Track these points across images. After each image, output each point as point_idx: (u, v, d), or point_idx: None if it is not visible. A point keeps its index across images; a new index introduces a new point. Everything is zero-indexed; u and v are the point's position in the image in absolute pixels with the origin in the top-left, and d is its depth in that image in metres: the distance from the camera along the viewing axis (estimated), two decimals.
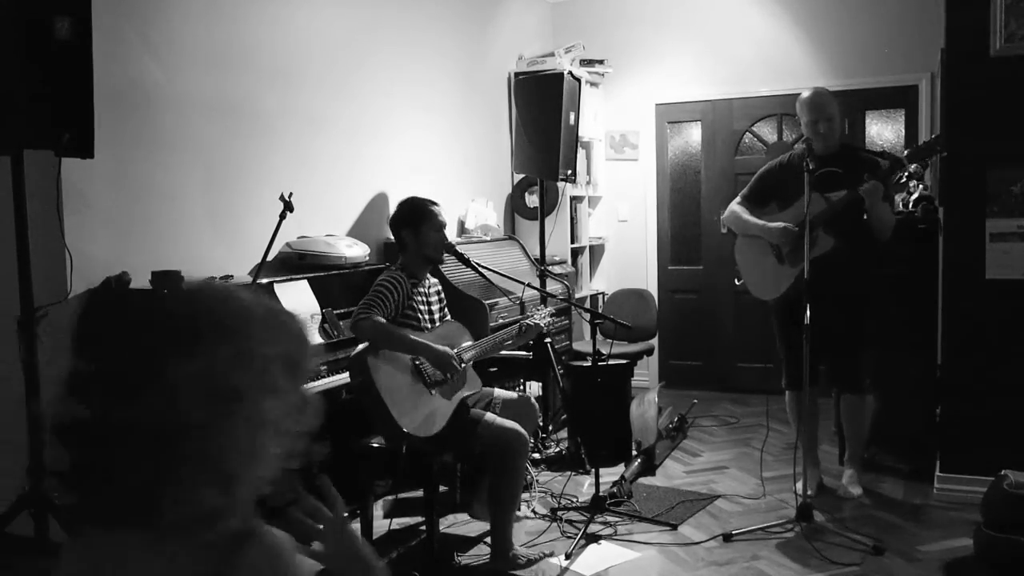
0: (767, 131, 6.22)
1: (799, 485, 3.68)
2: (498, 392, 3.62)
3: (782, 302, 3.88)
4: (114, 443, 0.96)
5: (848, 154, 3.90)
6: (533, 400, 3.66)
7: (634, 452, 4.54)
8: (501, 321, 4.35)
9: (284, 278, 3.65)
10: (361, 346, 3.19)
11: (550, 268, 5.12)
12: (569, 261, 5.94)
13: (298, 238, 3.92)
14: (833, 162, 3.79)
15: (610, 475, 4.18)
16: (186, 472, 0.97)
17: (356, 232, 4.49)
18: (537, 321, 3.60)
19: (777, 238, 3.84)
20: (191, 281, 1.14)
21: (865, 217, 3.70)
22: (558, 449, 4.70)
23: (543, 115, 5.02)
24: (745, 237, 4.04)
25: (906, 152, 3.71)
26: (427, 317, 3.43)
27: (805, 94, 3.91)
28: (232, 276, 3.50)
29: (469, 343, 3.46)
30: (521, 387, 4.86)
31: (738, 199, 4.10)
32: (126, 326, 1.02)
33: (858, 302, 3.88)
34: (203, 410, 0.97)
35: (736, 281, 4.10)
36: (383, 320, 3.16)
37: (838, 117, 3.89)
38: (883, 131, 5.93)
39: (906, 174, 3.81)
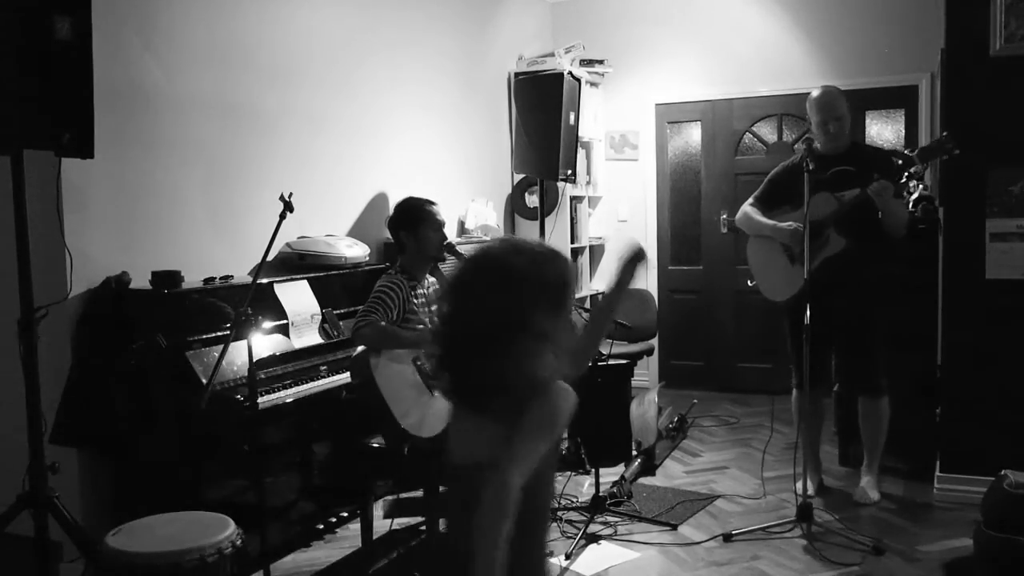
0: (767, 131, 6.22)
1: (799, 485, 3.68)
2: None
3: (794, 302, 3.86)
4: (480, 351, 1.53)
5: (858, 153, 3.89)
6: None
7: (634, 452, 4.54)
8: None
9: (284, 278, 3.65)
10: (362, 346, 3.19)
11: None
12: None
13: (298, 238, 3.92)
14: (843, 161, 3.78)
15: (610, 475, 4.18)
16: (511, 363, 1.53)
17: (356, 232, 4.49)
18: None
19: (788, 238, 3.83)
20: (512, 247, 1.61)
21: (880, 215, 3.69)
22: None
23: (543, 115, 5.02)
24: (757, 238, 4.04)
25: (915, 151, 3.69)
26: (427, 319, 3.42)
27: (815, 93, 3.89)
28: (232, 276, 3.50)
29: None
30: None
31: (750, 200, 4.10)
32: (486, 282, 1.56)
33: (871, 302, 3.86)
34: (518, 327, 1.52)
35: (749, 282, 4.09)
36: (383, 323, 3.16)
37: (848, 116, 3.87)
38: (883, 131, 5.93)
39: (906, 174, 3.81)
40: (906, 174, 3.70)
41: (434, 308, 1.60)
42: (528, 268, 1.55)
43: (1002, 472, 3.18)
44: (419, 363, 3.27)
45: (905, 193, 4.47)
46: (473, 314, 1.55)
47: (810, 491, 3.73)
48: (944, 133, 3.58)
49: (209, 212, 3.74)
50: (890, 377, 3.98)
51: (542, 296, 1.55)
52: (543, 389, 1.53)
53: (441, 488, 1.70)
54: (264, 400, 3.14)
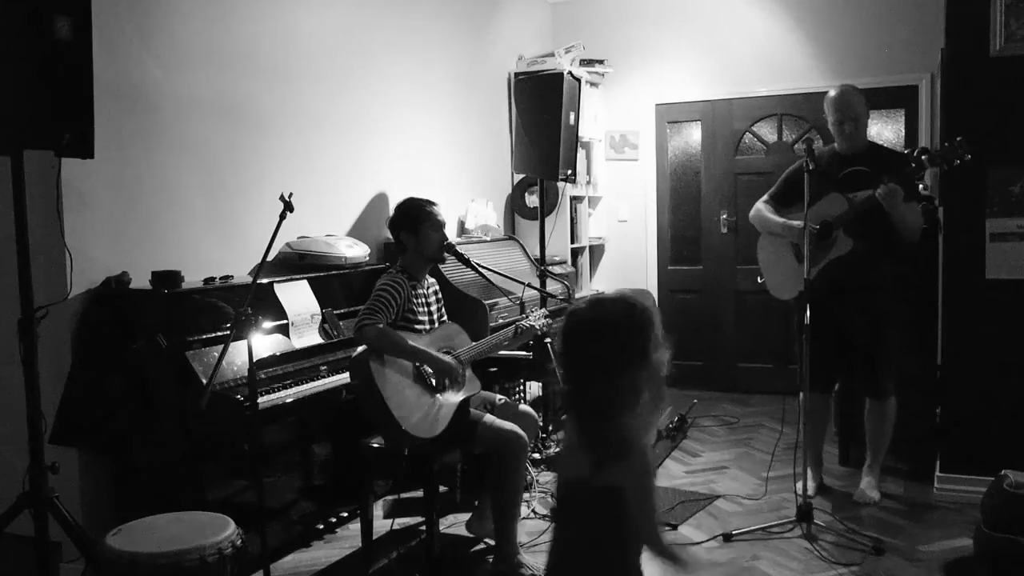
0: (767, 131, 6.22)
1: (799, 485, 3.67)
2: (499, 398, 3.62)
3: (802, 302, 3.85)
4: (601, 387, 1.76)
5: (875, 154, 3.87)
6: (533, 413, 3.64)
7: None
8: (501, 321, 4.35)
9: (284, 278, 3.65)
10: (362, 347, 3.19)
11: (550, 268, 5.12)
12: (569, 261, 5.94)
13: (298, 238, 3.92)
14: (860, 162, 3.77)
15: None
16: (622, 398, 1.75)
17: (356, 232, 4.49)
18: (533, 323, 3.60)
19: (796, 237, 3.82)
20: (620, 298, 1.82)
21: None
22: (558, 449, 4.70)
23: (543, 115, 5.02)
24: (768, 236, 4.04)
25: (927, 155, 3.66)
26: (426, 319, 3.43)
27: (832, 92, 3.87)
28: (232, 276, 3.50)
29: (467, 345, 3.46)
30: (521, 387, 4.86)
31: (764, 197, 4.10)
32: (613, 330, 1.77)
33: (878, 304, 3.84)
34: (636, 367, 1.74)
35: (758, 279, 4.09)
36: (387, 327, 3.16)
37: (865, 116, 3.85)
38: (883, 131, 5.93)
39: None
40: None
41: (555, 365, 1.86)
42: (640, 325, 1.77)
43: (1002, 472, 3.19)
44: (419, 364, 3.27)
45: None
46: (603, 378, 1.76)
47: (810, 491, 3.73)
48: (959, 138, 3.54)
49: (209, 212, 3.74)
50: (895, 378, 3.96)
51: (648, 352, 1.76)
52: (638, 438, 1.79)
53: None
54: (264, 400, 3.14)
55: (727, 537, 3.55)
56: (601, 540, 1.81)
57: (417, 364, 3.26)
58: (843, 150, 3.85)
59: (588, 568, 1.83)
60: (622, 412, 1.77)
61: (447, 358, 3.25)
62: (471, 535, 3.65)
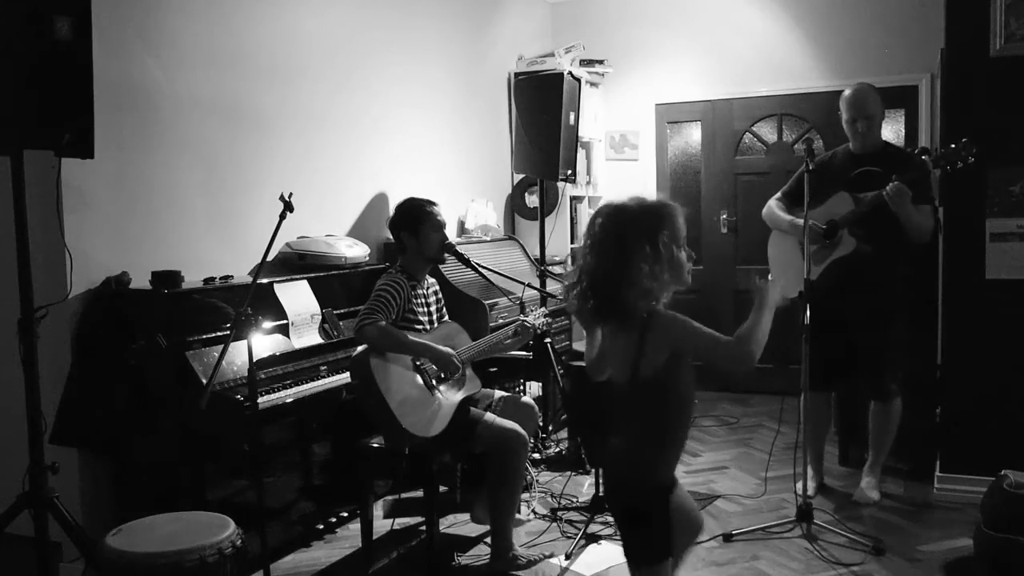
0: (767, 131, 6.22)
1: (799, 485, 3.67)
2: (499, 394, 3.62)
3: (803, 302, 3.83)
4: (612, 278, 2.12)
5: (888, 154, 3.85)
6: (533, 404, 3.65)
7: None
8: (501, 321, 4.35)
9: (284, 278, 3.65)
10: (362, 346, 3.19)
11: (550, 268, 5.12)
12: (569, 261, 5.94)
13: (298, 238, 3.92)
14: (873, 162, 3.76)
15: None
16: (638, 286, 2.12)
17: (356, 232, 4.49)
18: (533, 322, 3.60)
19: (801, 235, 3.82)
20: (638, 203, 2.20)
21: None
22: (558, 449, 4.70)
23: (543, 115, 5.02)
24: (777, 234, 4.05)
25: (931, 156, 3.66)
26: (426, 319, 3.43)
27: (847, 91, 3.86)
28: (232, 276, 3.50)
29: (467, 344, 3.46)
30: (521, 387, 4.86)
31: (777, 195, 4.10)
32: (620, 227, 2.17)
33: (880, 306, 3.82)
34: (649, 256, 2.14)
35: (768, 277, 4.09)
36: (387, 325, 3.17)
37: (880, 116, 3.85)
38: (883, 131, 5.90)
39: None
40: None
41: (579, 250, 2.17)
42: (657, 214, 2.19)
43: (1002, 472, 3.19)
44: (419, 363, 3.27)
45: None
46: (616, 251, 2.11)
47: (810, 491, 3.73)
48: (964, 140, 3.53)
49: (209, 212, 3.74)
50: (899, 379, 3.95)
51: (666, 236, 2.19)
52: (656, 306, 2.18)
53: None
54: (264, 400, 3.14)
55: (727, 537, 3.55)
56: (646, 435, 2.14)
57: (418, 362, 3.26)
58: (856, 149, 3.85)
59: (635, 467, 2.15)
60: (630, 290, 2.08)
61: (445, 348, 3.27)
62: (480, 525, 3.67)
